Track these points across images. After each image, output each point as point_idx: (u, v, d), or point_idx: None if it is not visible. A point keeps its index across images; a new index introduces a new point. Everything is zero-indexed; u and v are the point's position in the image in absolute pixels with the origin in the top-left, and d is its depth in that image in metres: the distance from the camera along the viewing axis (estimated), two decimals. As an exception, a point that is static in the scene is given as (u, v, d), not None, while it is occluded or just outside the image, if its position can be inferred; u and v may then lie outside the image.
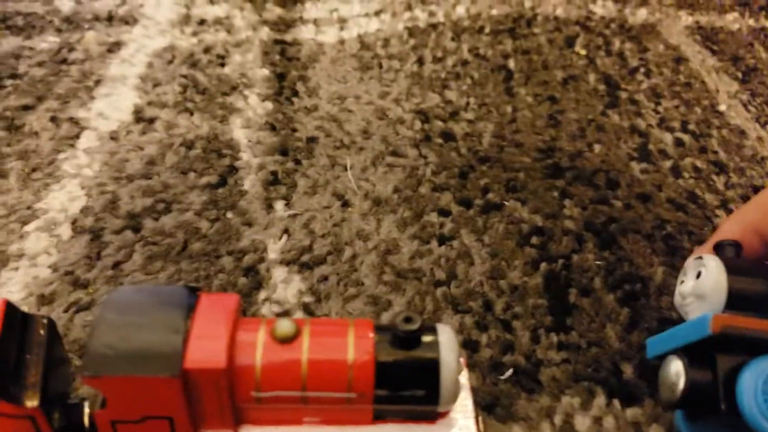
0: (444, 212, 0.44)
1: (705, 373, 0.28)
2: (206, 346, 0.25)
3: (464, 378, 0.28)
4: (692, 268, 0.31)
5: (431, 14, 0.65)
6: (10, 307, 0.26)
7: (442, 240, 0.42)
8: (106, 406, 0.25)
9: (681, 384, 0.28)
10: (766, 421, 0.26)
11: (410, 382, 0.25)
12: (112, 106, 0.52)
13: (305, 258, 0.40)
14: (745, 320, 0.28)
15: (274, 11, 0.66)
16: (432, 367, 0.25)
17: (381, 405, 0.26)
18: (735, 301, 0.29)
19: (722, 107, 0.55)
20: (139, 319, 0.25)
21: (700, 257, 0.31)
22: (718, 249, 0.31)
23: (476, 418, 0.27)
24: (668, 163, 0.49)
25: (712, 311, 0.29)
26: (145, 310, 0.25)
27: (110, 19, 0.64)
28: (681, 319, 0.31)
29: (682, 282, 0.31)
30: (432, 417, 0.27)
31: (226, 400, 0.25)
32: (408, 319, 0.26)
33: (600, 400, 0.34)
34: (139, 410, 0.25)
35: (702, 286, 0.30)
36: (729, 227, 0.33)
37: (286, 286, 0.38)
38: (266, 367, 0.25)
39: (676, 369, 0.29)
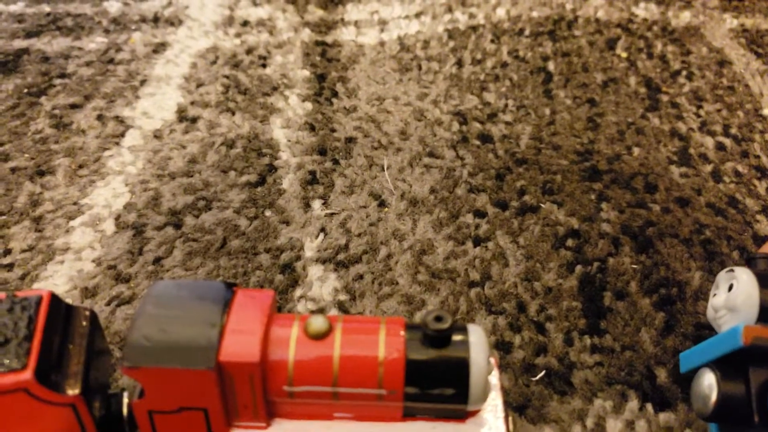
0: (480, 213, 0.44)
1: (738, 385, 0.28)
2: (241, 341, 0.25)
3: (495, 378, 0.28)
4: (724, 281, 0.31)
5: (471, 16, 0.65)
6: (54, 298, 0.27)
7: (477, 241, 0.42)
8: (144, 397, 0.26)
9: (713, 397, 0.28)
10: None
11: (440, 381, 0.26)
12: (157, 105, 0.54)
13: (341, 257, 0.41)
14: None
15: (315, 13, 0.66)
16: (462, 366, 0.25)
17: (411, 402, 0.26)
18: (767, 314, 0.29)
19: (766, 111, 0.54)
20: (177, 313, 0.26)
21: (732, 269, 0.30)
22: (750, 262, 0.31)
23: (506, 417, 0.27)
24: (709, 168, 0.48)
25: (744, 324, 0.29)
26: (184, 304, 0.26)
27: (156, 20, 0.65)
28: (714, 332, 0.31)
29: (715, 295, 0.31)
30: (461, 416, 0.27)
31: (259, 394, 0.26)
32: (439, 318, 0.26)
33: (633, 404, 0.33)
34: (175, 401, 0.26)
35: (734, 298, 0.29)
36: None
37: (322, 284, 0.39)
38: (298, 362, 0.26)
39: (708, 381, 0.29)
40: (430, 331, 0.26)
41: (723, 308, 0.30)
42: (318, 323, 0.26)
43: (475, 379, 0.25)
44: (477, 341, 0.26)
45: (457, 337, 0.26)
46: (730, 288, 0.30)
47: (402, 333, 0.26)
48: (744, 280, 0.29)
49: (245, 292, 0.27)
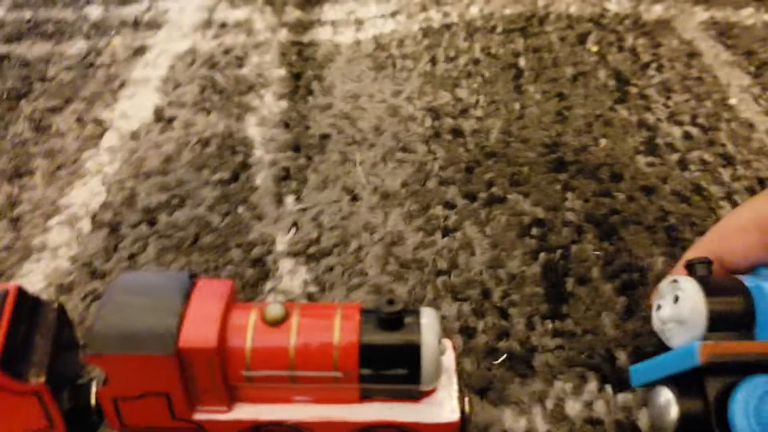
0: (449, 205, 0.45)
1: (696, 401, 0.28)
2: (199, 327, 0.26)
3: (450, 359, 0.29)
4: (668, 292, 0.30)
5: (445, 15, 0.66)
6: (21, 292, 0.28)
7: (446, 232, 0.43)
8: (108, 384, 0.27)
9: (673, 414, 0.28)
10: None
11: (393, 362, 0.27)
12: (135, 107, 0.55)
13: (312, 250, 0.42)
14: (730, 345, 0.28)
15: (293, 14, 0.67)
16: (413, 348, 0.26)
17: (366, 384, 0.27)
18: (716, 323, 0.28)
19: (733, 101, 0.55)
20: (139, 302, 0.27)
21: (675, 280, 0.30)
22: (690, 268, 0.31)
23: (461, 397, 0.28)
24: (675, 157, 0.49)
25: (694, 336, 0.29)
26: (145, 294, 0.27)
27: (136, 24, 0.66)
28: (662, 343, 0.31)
29: (659, 307, 0.31)
30: (416, 396, 0.28)
31: (219, 379, 0.27)
32: (391, 302, 0.27)
33: (592, 385, 0.34)
34: (138, 387, 0.27)
35: (681, 311, 0.29)
36: (690, 256, 0.33)
37: (292, 277, 0.40)
38: (256, 348, 0.27)
39: (666, 399, 0.28)
40: (383, 315, 0.27)
41: (671, 320, 0.30)
42: (274, 310, 0.27)
43: (427, 359, 0.26)
44: (428, 323, 0.27)
45: (409, 320, 0.27)
46: (676, 299, 0.30)
47: (357, 317, 0.27)
48: (689, 289, 0.29)
49: (205, 281, 0.28)
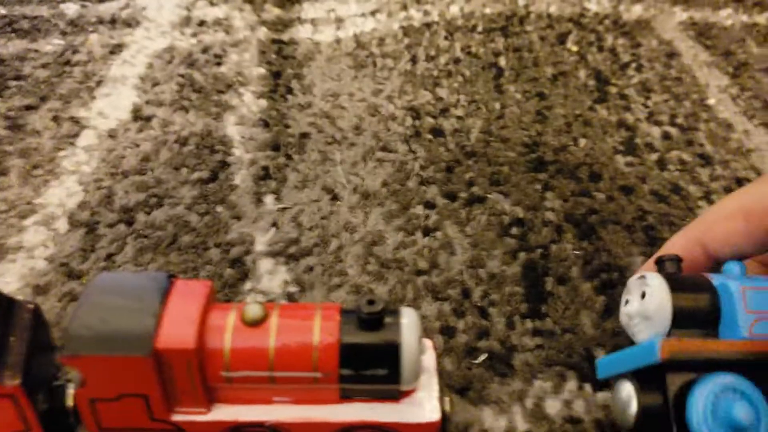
0: (430, 205, 0.45)
1: (656, 396, 0.28)
2: (178, 328, 0.26)
3: (431, 359, 0.29)
4: (636, 288, 0.31)
5: (426, 13, 0.66)
6: (-6, 292, 0.27)
7: (427, 231, 0.43)
8: (85, 385, 0.26)
9: (633, 408, 0.28)
10: None
11: (373, 362, 0.27)
12: (112, 105, 0.54)
13: (292, 250, 0.42)
14: (692, 343, 0.28)
15: (272, 12, 0.67)
16: (393, 348, 0.26)
17: (346, 384, 0.27)
18: (681, 320, 0.29)
19: (711, 101, 0.56)
20: (117, 303, 0.26)
21: (643, 276, 0.30)
22: (660, 265, 0.31)
23: (441, 397, 0.28)
24: (654, 156, 0.49)
25: (658, 333, 0.29)
26: (123, 295, 0.27)
27: (113, 22, 0.66)
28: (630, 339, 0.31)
29: (627, 302, 0.31)
30: (396, 396, 0.28)
31: (198, 380, 0.26)
32: (371, 302, 0.27)
33: (571, 384, 0.34)
34: (115, 388, 0.26)
35: (647, 307, 0.29)
36: (674, 241, 0.33)
37: (272, 277, 0.40)
38: (235, 349, 0.26)
39: (627, 393, 0.29)
40: (363, 315, 0.27)
41: (637, 316, 0.30)
42: (253, 310, 0.27)
43: (407, 359, 0.26)
44: (409, 323, 0.27)
45: (389, 320, 0.27)
46: (643, 295, 0.30)
47: (337, 317, 0.27)
48: (656, 286, 0.29)
49: (183, 282, 0.28)
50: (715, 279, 0.30)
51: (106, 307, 0.26)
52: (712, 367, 0.28)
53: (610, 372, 0.31)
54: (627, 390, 0.29)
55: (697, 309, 0.29)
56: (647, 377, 0.29)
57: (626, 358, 0.30)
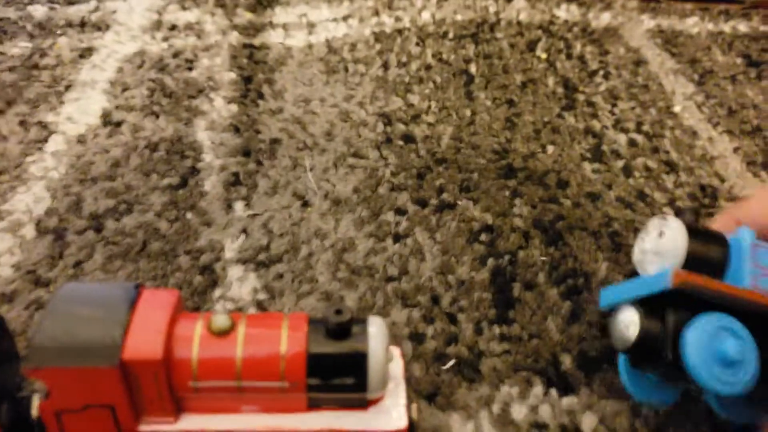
0: (400, 211, 0.45)
1: (656, 323, 0.30)
2: (145, 339, 0.26)
3: (398, 366, 0.30)
4: (655, 227, 0.33)
5: (397, 20, 0.66)
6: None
7: (397, 238, 0.43)
8: (50, 397, 0.26)
9: (633, 331, 0.30)
10: (706, 372, 0.28)
11: (340, 371, 0.27)
12: (81, 110, 0.54)
13: (262, 257, 0.42)
14: (702, 279, 0.30)
15: (244, 16, 0.67)
16: (360, 357, 0.27)
17: (313, 393, 0.27)
18: (691, 263, 0.31)
19: (677, 108, 0.56)
20: (82, 313, 0.26)
21: (665, 217, 0.32)
22: (679, 213, 0.34)
23: (408, 405, 0.29)
24: (620, 163, 0.50)
25: (672, 267, 0.31)
26: (89, 305, 0.27)
27: (83, 25, 0.65)
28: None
29: (643, 239, 0.33)
30: (363, 404, 0.28)
31: (165, 390, 0.26)
32: (338, 312, 0.27)
33: (537, 389, 0.35)
34: (81, 400, 0.26)
35: (663, 245, 0.32)
36: (714, 218, 0.36)
37: (241, 284, 0.40)
38: (202, 359, 0.26)
39: (630, 317, 0.30)
40: (331, 324, 0.27)
41: (651, 252, 0.32)
42: (220, 321, 0.27)
43: (374, 368, 0.27)
44: (376, 332, 0.27)
45: (356, 329, 0.27)
46: (661, 234, 0.32)
47: (304, 327, 0.27)
48: (675, 227, 0.31)
49: (150, 291, 0.28)
50: (730, 236, 0.32)
51: (71, 318, 0.26)
52: (709, 308, 0.30)
53: (614, 300, 0.32)
54: (630, 314, 0.31)
55: (709, 255, 0.31)
56: (649, 309, 0.30)
57: (634, 287, 0.31)
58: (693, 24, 0.68)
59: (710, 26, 0.68)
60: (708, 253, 0.31)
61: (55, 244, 0.42)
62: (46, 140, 0.50)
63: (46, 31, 0.64)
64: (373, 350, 0.27)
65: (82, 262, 0.41)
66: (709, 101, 0.57)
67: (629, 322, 0.30)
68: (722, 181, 0.49)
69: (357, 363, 0.27)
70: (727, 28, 0.68)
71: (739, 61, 0.63)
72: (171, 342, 0.26)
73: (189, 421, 0.28)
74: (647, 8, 0.71)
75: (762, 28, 0.68)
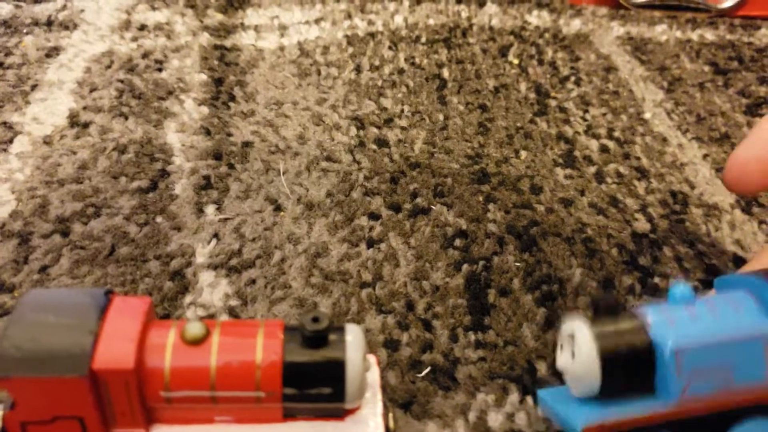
0: (374, 216, 0.45)
1: None
2: (115, 347, 0.25)
3: (375, 375, 0.29)
4: (567, 343, 0.29)
5: (370, 23, 0.66)
6: None
7: (371, 243, 0.43)
8: (15, 408, 0.25)
9: None
10: None
11: (317, 381, 0.26)
12: (47, 110, 0.52)
13: (233, 262, 0.41)
14: (616, 422, 0.27)
15: (215, 17, 0.66)
16: (338, 366, 0.26)
17: (289, 403, 0.27)
18: (610, 384, 0.27)
19: (647, 115, 0.57)
20: (50, 320, 0.26)
21: (573, 328, 0.28)
22: (595, 310, 0.29)
23: (385, 414, 0.28)
24: (592, 169, 0.50)
25: (588, 390, 0.28)
26: (57, 312, 0.26)
27: (50, 24, 0.64)
28: None
29: (561, 346, 0.29)
30: (340, 414, 0.28)
31: (136, 400, 0.26)
32: (315, 319, 0.27)
33: (514, 396, 0.35)
34: (48, 411, 0.25)
35: (576, 369, 0.28)
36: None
37: (213, 290, 0.39)
38: (175, 368, 0.26)
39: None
40: (307, 332, 0.26)
41: (568, 373, 0.29)
42: (194, 329, 0.26)
43: (351, 377, 0.26)
44: (353, 340, 0.27)
45: (333, 337, 0.27)
46: (573, 355, 0.28)
47: (280, 335, 0.27)
48: (584, 350, 0.27)
49: (121, 299, 0.27)
50: (652, 324, 0.28)
51: (38, 325, 0.25)
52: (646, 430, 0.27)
53: (546, 410, 0.30)
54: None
55: (629, 369, 0.27)
56: None
57: (558, 415, 0.29)
58: (661, 32, 0.69)
59: (678, 34, 0.69)
60: (627, 370, 0.27)
61: (20, 249, 0.41)
62: (11, 141, 0.49)
63: (12, 29, 0.62)
64: (351, 359, 0.26)
65: (48, 266, 0.40)
66: (678, 108, 0.58)
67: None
68: (692, 187, 0.49)
69: (334, 372, 0.26)
70: (694, 36, 0.69)
71: (706, 68, 0.64)
72: (143, 350, 0.26)
73: (160, 432, 0.27)
74: (617, 15, 0.71)
75: (728, 36, 0.69)
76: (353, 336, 0.27)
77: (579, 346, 0.28)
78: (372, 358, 0.30)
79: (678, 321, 0.28)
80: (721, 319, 0.28)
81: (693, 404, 0.27)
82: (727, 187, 0.37)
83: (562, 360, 0.29)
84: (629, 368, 0.27)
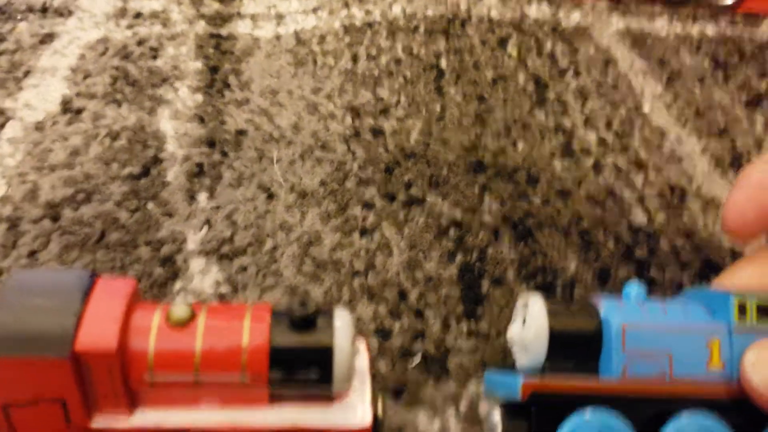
0: (368, 205, 0.44)
1: (521, 424, 0.28)
2: (98, 329, 0.25)
3: (364, 361, 0.29)
4: (520, 312, 0.30)
5: (368, 13, 0.65)
6: None
7: (364, 232, 0.42)
8: (-3, 389, 0.25)
9: None
10: None
11: (304, 365, 0.26)
12: (40, 96, 0.52)
13: (225, 249, 0.41)
14: (556, 383, 0.27)
15: (212, 6, 0.65)
16: (326, 350, 0.26)
17: (276, 387, 0.26)
18: (557, 352, 0.28)
19: (646, 108, 0.57)
20: (33, 301, 0.25)
21: (528, 299, 0.29)
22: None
23: (373, 400, 0.28)
24: (590, 161, 0.50)
25: (535, 360, 0.28)
26: (41, 293, 0.26)
27: (44, 10, 0.63)
28: None
29: (514, 321, 0.30)
30: (327, 398, 0.27)
31: (119, 383, 0.25)
32: (303, 303, 0.26)
33: (505, 387, 0.34)
34: (30, 392, 0.25)
35: (526, 336, 0.29)
36: None
37: (203, 277, 0.39)
38: (159, 351, 0.25)
39: (495, 420, 0.29)
40: (295, 316, 0.26)
41: (517, 343, 0.29)
42: (179, 311, 0.26)
43: (339, 362, 0.26)
44: (342, 325, 0.26)
45: (321, 321, 0.26)
46: (524, 323, 0.29)
47: (267, 319, 0.26)
48: (536, 316, 0.28)
49: (106, 280, 0.26)
50: (604, 308, 0.29)
51: (21, 306, 0.25)
52: (584, 403, 0.27)
53: (490, 389, 0.31)
54: (495, 418, 0.29)
55: (576, 343, 0.28)
56: (516, 408, 0.28)
57: (500, 384, 0.29)
58: (661, 26, 0.68)
59: (678, 29, 0.68)
60: (575, 340, 0.28)
61: (9, 233, 0.40)
62: (2, 126, 0.49)
63: (6, 15, 0.62)
64: (339, 343, 0.26)
65: (36, 251, 0.39)
66: (677, 102, 0.58)
67: (494, 423, 0.29)
68: (690, 181, 0.49)
69: (322, 356, 0.26)
70: (693, 31, 0.69)
71: (706, 63, 0.63)
72: (126, 332, 0.25)
73: (144, 416, 0.27)
74: (616, 8, 0.71)
75: (729, 31, 0.69)
76: (342, 320, 0.26)
77: (531, 314, 0.29)
78: (361, 343, 0.29)
79: (628, 307, 0.29)
80: (668, 313, 0.29)
81: (632, 385, 0.28)
82: (727, 233, 0.36)
83: (513, 330, 0.30)
84: (576, 341, 0.28)
